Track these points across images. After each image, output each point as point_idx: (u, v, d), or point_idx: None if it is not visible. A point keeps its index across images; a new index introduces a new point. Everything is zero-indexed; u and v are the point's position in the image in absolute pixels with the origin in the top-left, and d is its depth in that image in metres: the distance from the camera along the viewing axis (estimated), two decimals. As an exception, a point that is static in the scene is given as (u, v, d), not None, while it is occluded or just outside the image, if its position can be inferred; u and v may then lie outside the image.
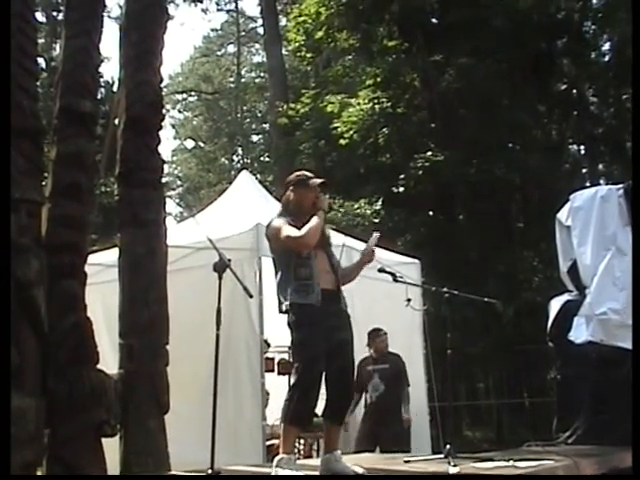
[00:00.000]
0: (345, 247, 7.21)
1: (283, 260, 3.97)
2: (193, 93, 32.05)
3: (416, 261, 8.01)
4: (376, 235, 4.27)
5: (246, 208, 7.40)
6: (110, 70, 30.75)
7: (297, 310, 3.83)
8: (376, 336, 6.92)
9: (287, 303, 3.86)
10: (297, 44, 16.28)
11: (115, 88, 17.85)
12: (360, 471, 3.89)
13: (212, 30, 33.25)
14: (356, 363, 6.93)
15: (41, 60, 17.37)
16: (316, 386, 3.83)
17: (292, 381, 3.91)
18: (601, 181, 14.63)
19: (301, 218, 4.01)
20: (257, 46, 31.07)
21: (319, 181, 4.13)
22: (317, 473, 3.95)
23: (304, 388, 3.81)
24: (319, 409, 8.41)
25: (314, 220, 3.95)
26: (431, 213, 14.02)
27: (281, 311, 3.96)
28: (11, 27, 4.20)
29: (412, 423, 6.92)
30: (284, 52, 19.80)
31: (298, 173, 4.29)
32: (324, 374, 3.86)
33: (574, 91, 15.13)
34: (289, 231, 3.93)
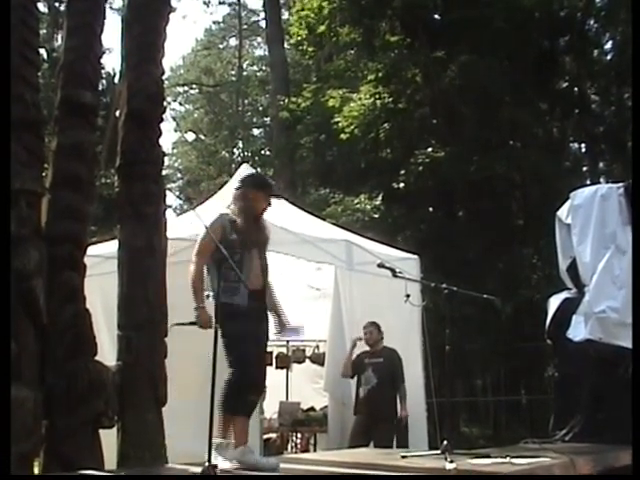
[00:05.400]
0: (346, 242, 7.26)
1: (215, 257, 4.14)
2: (194, 86, 31.93)
3: (415, 257, 8.00)
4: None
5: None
6: (112, 62, 30.69)
7: (225, 309, 3.97)
8: (363, 328, 6.95)
9: (213, 302, 4.02)
10: (299, 38, 16.25)
11: (117, 80, 17.81)
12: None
13: (214, 23, 33.12)
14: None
15: (43, 51, 17.30)
16: (252, 374, 4.17)
17: (228, 376, 4.16)
18: (601, 179, 14.59)
19: (246, 220, 4.29)
20: (259, 39, 30.95)
21: (273, 191, 4.49)
22: (315, 468, 3.96)
23: (241, 380, 4.12)
24: (318, 404, 8.38)
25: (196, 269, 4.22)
26: (431, 209, 14.02)
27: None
28: (13, 18, 4.20)
29: (409, 419, 6.89)
30: (286, 46, 19.75)
31: (256, 174, 4.45)
32: None
33: (575, 89, 15.10)
34: (200, 250, 4.25)
